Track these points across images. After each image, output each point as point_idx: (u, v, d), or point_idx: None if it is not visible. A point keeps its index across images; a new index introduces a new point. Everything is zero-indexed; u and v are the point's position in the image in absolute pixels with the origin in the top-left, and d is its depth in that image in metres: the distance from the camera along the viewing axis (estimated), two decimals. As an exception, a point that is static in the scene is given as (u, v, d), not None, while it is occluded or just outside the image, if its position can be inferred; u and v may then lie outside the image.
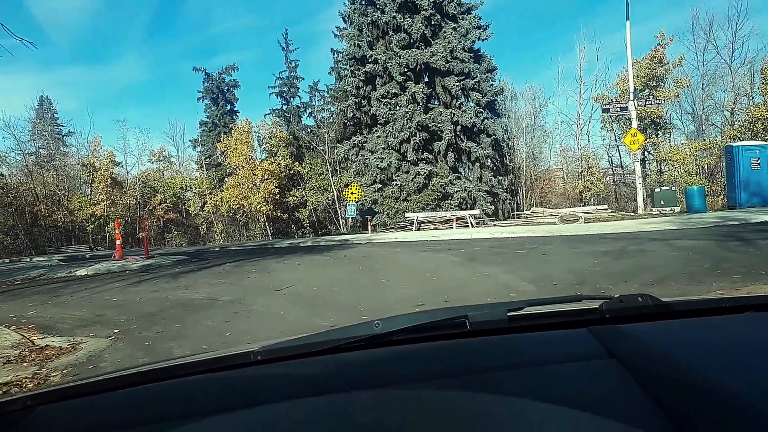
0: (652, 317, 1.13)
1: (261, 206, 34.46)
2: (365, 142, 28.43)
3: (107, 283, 10.68)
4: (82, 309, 7.77)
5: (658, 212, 19.21)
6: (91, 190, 37.79)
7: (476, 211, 23.30)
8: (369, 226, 23.90)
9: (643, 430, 0.57)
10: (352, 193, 24.90)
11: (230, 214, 37.31)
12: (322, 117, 40.69)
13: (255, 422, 0.65)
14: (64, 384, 1.09)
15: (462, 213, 22.81)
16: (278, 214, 36.15)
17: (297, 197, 35.86)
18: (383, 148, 27.15)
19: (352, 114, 28.83)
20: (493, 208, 26.75)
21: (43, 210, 36.28)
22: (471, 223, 21.77)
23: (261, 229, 37.25)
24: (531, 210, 22.79)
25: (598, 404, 0.74)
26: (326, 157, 34.81)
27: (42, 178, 37.51)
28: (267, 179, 35.00)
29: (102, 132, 78.10)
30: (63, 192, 37.77)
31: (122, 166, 41.01)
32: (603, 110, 22.86)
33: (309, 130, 40.94)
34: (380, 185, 27.29)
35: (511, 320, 1.12)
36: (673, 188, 20.76)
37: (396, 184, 26.33)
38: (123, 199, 38.50)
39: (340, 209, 34.01)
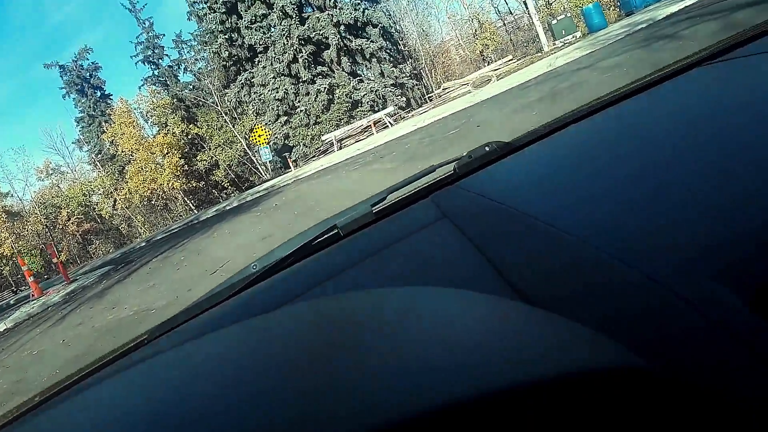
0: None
1: (172, 183, 32.14)
2: (252, 77, 26.28)
3: (28, 332, 9.21)
4: (-4, 383, 6.45)
5: (563, 44, 18.62)
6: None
7: (390, 109, 22.15)
8: (290, 163, 22.45)
9: (477, 290, 0.55)
10: (259, 136, 23.12)
11: (145, 203, 34.76)
12: (199, 68, 37.42)
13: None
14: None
15: (377, 116, 21.63)
16: (194, 184, 33.92)
17: (206, 160, 33.54)
18: (273, 77, 25.18)
19: (227, 53, 26.33)
20: (405, 99, 25.63)
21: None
22: (389, 122, 20.70)
23: (183, 205, 35.03)
24: (441, 88, 21.81)
25: (436, 268, 0.74)
26: (219, 108, 32.28)
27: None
28: (168, 153, 32.41)
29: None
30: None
31: (12, 195, 37.01)
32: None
33: (191, 87, 37.71)
34: (285, 117, 25.57)
35: (377, 214, 1.12)
36: (568, 14, 20.08)
37: (301, 110, 24.69)
38: (27, 229, 35.08)
39: (255, 157, 32.09)
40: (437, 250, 0.83)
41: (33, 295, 14.35)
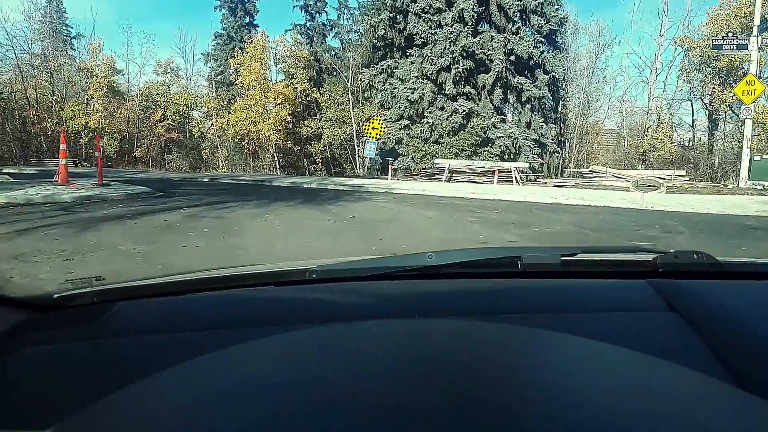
0: (707, 276, 1.10)
1: (271, 134, 30.36)
2: (395, 67, 23.85)
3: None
4: None
5: (762, 187, 14.82)
6: (87, 99, 33.75)
7: (524, 164, 19.00)
8: (390, 171, 19.76)
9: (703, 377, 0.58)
10: (373, 128, 20.63)
11: (237, 140, 33.28)
12: (349, 39, 35.80)
13: (309, 338, 0.69)
14: (141, 281, 1.14)
15: (506, 165, 18.54)
16: (289, 146, 32.08)
17: (312, 128, 31.61)
18: (416, 77, 22.63)
19: (383, 31, 24.04)
20: (541, 161, 22.37)
21: (32, 116, 32.50)
22: (516, 178, 17.56)
23: (270, 160, 33.24)
24: (590, 169, 18.45)
25: (658, 352, 0.71)
26: (349, 84, 30.25)
27: (34, 81, 33.50)
28: (280, 104, 30.72)
29: (105, 36, 72.28)
30: (56, 98, 33.76)
31: (123, 74, 36.71)
32: (714, 47, 17.32)
33: (333, 53, 36.15)
34: (408, 122, 22.93)
35: (564, 264, 1.11)
36: (774, 158, 16.22)
37: (427, 122, 21.94)
38: (121, 112, 34.54)
39: (359, 147, 29.77)
40: (659, 338, 0.82)
41: (56, 179, 12.34)
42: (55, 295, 1.00)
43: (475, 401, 0.44)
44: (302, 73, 31.99)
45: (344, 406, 0.45)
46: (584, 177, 17.98)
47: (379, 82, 24.37)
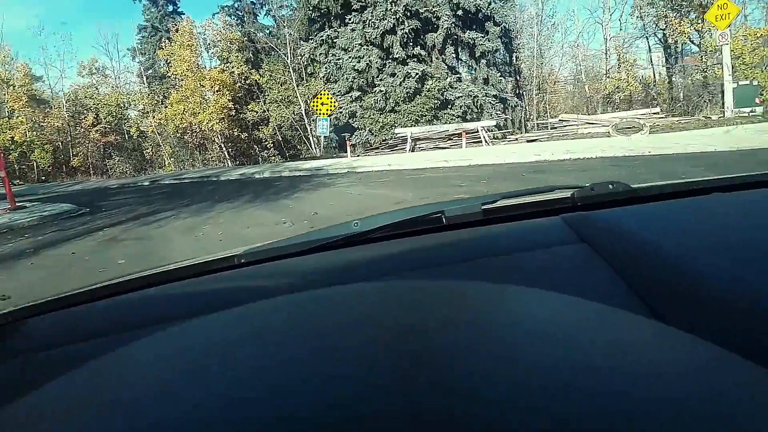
0: (624, 204, 1.11)
1: (213, 124, 28.28)
2: (336, 37, 22.12)
3: None
4: None
5: (747, 114, 13.90)
6: (8, 112, 30.73)
7: (491, 122, 17.69)
8: (348, 147, 18.18)
9: (616, 307, 0.56)
10: (322, 104, 18.94)
11: (179, 135, 31.03)
12: (282, 15, 33.57)
13: (242, 318, 0.64)
14: (52, 296, 1.06)
15: (471, 125, 17.19)
16: (236, 134, 29.99)
17: (257, 112, 29.58)
18: (360, 44, 20.95)
19: (318, 0, 22.18)
20: (506, 117, 21.13)
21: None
22: (485, 138, 16.26)
23: (217, 151, 31.15)
24: (558, 118, 17.26)
25: (571, 286, 0.76)
26: (289, 62, 28.26)
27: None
28: (218, 91, 28.59)
29: (17, 42, 66.95)
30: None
31: (44, 81, 33.65)
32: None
33: (267, 31, 33.89)
34: (359, 93, 21.32)
35: (486, 213, 1.14)
36: (755, 81, 15.29)
37: (380, 91, 20.38)
38: (48, 121, 31.70)
39: (310, 126, 28.00)
40: (571, 272, 0.83)
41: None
42: None
43: (419, 360, 0.42)
44: (237, 56, 29.81)
45: (272, 388, 0.41)
46: (555, 128, 16.80)
47: (320, 54, 22.64)
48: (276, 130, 29.61)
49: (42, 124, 31.09)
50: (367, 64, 20.32)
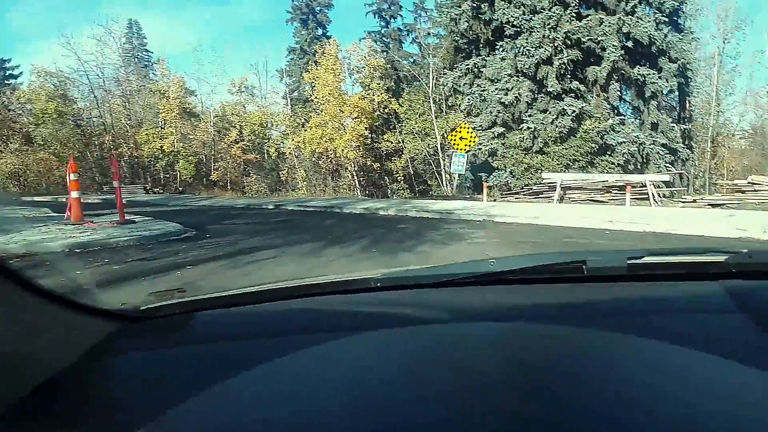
0: None
1: (348, 152, 27.68)
2: (483, 66, 20.31)
3: None
4: None
5: None
6: (161, 123, 32.75)
7: (662, 177, 14.73)
8: (484, 190, 16.15)
9: None
10: (461, 139, 17.18)
11: (314, 159, 30.95)
12: (428, 43, 32.64)
13: (377, 342, 0.74)
14: (220, 293, 1.21)
15: (637, 178, 14.40)
16: (369, 163, 29.17)
17: (392, 143, 28.60)
18: (509, 75, 18.95)
19: (467, 25, 20.56)
20: (676, 172, 17.87)
21: (107, 142, 31.89)
22: (654, 196, 13.41)
23: (349, 179, 30.57)
24: (748, 180, 13.86)
25: (731, 355, 0.71)
26: (430, 92, 27.00)
27: (108, 106, 33.02)
28: (357, 118, 28.01)
29: (177, 58, 71.33)
30: (132, 123, 33.06)
31: (196, 95, 35.57)
32: None
33: (411, 59, 33.14)
34: (502, 129, 19.24)
35: (631, 269, 1.11)
36: None
37: (527, 128, 18.16)
38: (195, 134, 33.29)
39: (444, 161, 26.40)
40: (730, 341, 0.81)
41: (67, 216, 9.96)
42: (142, 307, 1.09)
43: (555, 404, 0.47)
44: (379, 84, 29.20)
45: (406, 408, 0.49)
46: (743, 191, 13.47)
47: (464, 84, 20.94)
48: (409, 162, 28.40)
49: (189, 136, 32.64)
50: (516, 97, 18.24)
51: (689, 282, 1.09)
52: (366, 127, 27.79)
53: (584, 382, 0.54)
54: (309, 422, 0.49)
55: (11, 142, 31.00)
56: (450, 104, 26.88)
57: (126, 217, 10.29)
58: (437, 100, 27.30)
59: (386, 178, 30.85)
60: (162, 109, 31.34)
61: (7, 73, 40.03)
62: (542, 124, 17.87)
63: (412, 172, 28.68)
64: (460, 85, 21.17)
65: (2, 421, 0.69)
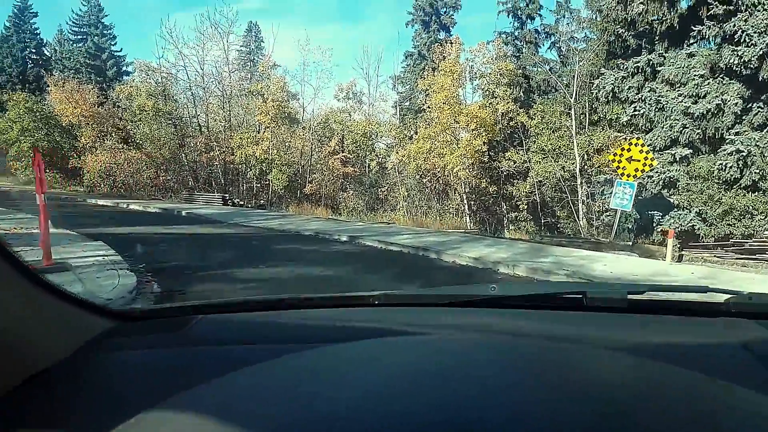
0: None
1: (459, 170, 22.64)
2: (660, 64, 14.41)
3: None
4: None
5: None
6: (258, 126, 29.57)
7: None
8: (669, 241, 10.24)
9: None
10: (630, 160, 11.53)
11: (418, 177, 26.22)
12: (572, 47, 26.87)
13: (376, 350, 0.76)
14: (220, 300, 1.25)
15: None
16: (483, 185, 23.84)
17: (515, 162, 23.13)
18: (701, 76, 12.97)
19: (642, 8, 14.79)
20: None
21: (198, 144, 29.30)
22: None
23: (458, 202, 25.43)
24: None
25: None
26: (572, 101, 21.27)
27: (205, 105, 30.47)
28: (474, 130, 22.90)
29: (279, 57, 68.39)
30: (229, 125, 30.26)
31: (298, 99, 32.17)
32: None
33: (549, 67, 27.49)
34: (687, 151, 13.27)
35: (631, 302, 1.13)
36: None
37: (732, 152, 12.08)
38: (293, 141, 29.82)
39: (583, 189, 20.50)
40: (733, 375, 0.80)
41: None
42: (141, 307, 1.14)
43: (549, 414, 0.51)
44: (505, 91, 23.92)
45: (399, 413, 0.52)
46: None
47: (629, 89, 15.14)
48: (535, 187, 22.73)
49: (286, 143, 29.21)
50: (718, 105, 12.21)
51: (691, 317, 1.11)
52: (484, 142, 22.63)
53: (575, 397, 0.57)
54: (300, 423, 0.51)
55: (107, 140, 29.43)
56: (596, 119, 21.04)
57: (58, 261, 5.98)
58: (580, 115, 21.57)
59: (503, 204, 25.34)
60: (259, 111, 28.07)
61: (122, 69, 39.50)
62: (757, 146, 11.71)
63: (537, 200, 22.96)
64: (622, 90, 15.38)
65: None
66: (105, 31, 40.31)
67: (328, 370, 0.67)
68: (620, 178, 11.83)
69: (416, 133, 26.33)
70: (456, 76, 23.82)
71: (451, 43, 25.32)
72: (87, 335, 0.93)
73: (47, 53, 42.60)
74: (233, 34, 31.03)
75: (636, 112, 14.88)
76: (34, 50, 41.54)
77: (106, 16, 41.27)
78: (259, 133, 28.89)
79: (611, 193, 14.21)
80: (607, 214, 18.06)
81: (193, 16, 65.01)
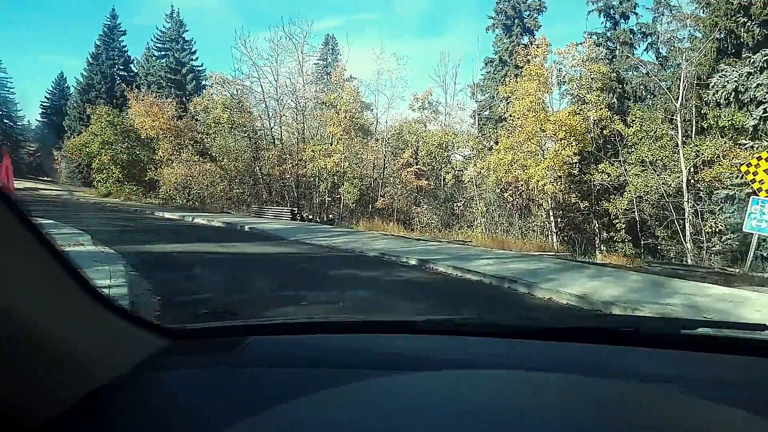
0: None
1: (545, 183, 20.53)
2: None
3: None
4: None
5: None
6: (330, 138, 28.61)
7: None
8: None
9: None
10: (772, 173, 9.23)
11: (498, 191, 24.25)
12: (675, 47, 24.01)
13: (444, 383, 0.78)
14: (269, 320, 1.30)
15: None
16: (573, 201, 21.52)
17: (609, 175, 20.68)
18: None
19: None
20: None
21: (271, 157, 28.76)
22: None
23: (543, 219, 23.21)
24: None
25: None
26: (678, 106, 18.64)
27: (279, 118, 29.92)
28: (563, 140, 20.72)
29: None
30: (302, 136, 29.56)
31: (372, 109, 30.94)
32: None
33: (646, 69, 24.71)
34: None
35: (685, 339, 1.13)
36: None
37: None
38: (365, 153, 28.65)
39: (691, 206, 17.82)
40: None
41: None
42: (192, 326, 1.14)
43: None
44: (598, 96, 21.58)
45: None
46: None
47: (758, 87, 12.61)
48: (633, 204, 20.15)
49: (359, 155, 28.06)
50: None
51: (744, 356, 1.07)
52: (574, 153, 20.36)
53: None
54: None
55: (184, 152, 29.53)
56: (705, 125, 18.36)
57: None
58: (685, 120, 18.93)
59: (595, 222, 22.84)
60: (331, 122, 27.12)
61: (201, 82, 40.10)
62: None
63: (637, 219, 20.34)
64: (747, 89, 12.87)
65: (57, 421, 0.71)
66: (185, 46, 41.32)
67: (394, 400, 0.69)
68: (757, 195, 9.50)
69: (496, 143, 24.43)
70: (542, 81, 21.75)
71: (537, 45, 23.27)
72: (142, 353, 0.94)
73: (134, 69, 44.24)
74: (308, 45, 30.14)
75: (764, 116, 12.31)
76: (122, 67, 43.30)
77: (187, 31, 42.42)
78: (331, 145, 27.94)
79: (733, 211, 11.78)
80: (725, 236, 15.40)
81: (268, 27, 65.63)
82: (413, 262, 9.81)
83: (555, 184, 20.72)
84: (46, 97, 52.62)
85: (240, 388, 0.88)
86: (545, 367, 0.94)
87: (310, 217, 24.89)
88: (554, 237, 21.89)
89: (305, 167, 28.05)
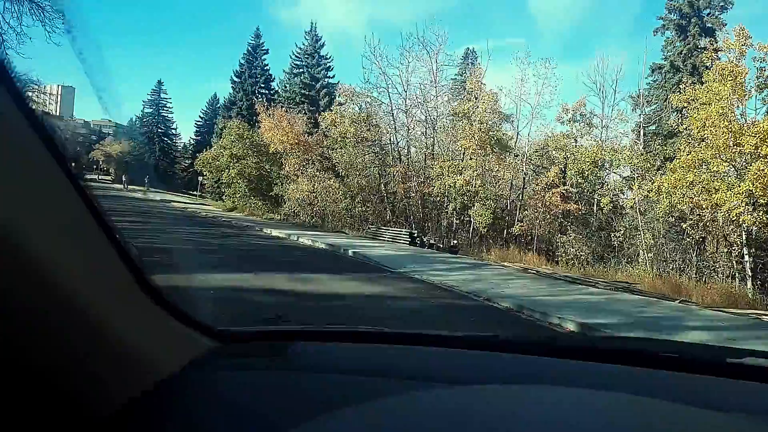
0: None
1: (739, 212, 15.82)
2: None
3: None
4: None
5: None
6: (462, 153, 25.46)
7: None
8: None
9: None
10: None
11: (670, 220, 19.54)
12: None
13: (451, 399, 0.78)
14: (318, 327, 1.31)
15: None
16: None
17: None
18: None
19: None
20: None
21: (396, 173, 26.35)
22: None
23: (729, 258, 18.16)
24: None
25: None
26: None
27: (407, 132, 27.49)
28: (765, 157, 15.78)
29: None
30: (431, 152, 26.87)
31: (512, 120, 27.23)
32: None
33: None
34: None
35: (732, 368, 1.10)
36: None
37: None
38: (502, 170, 25.14)
39: None
40: None
41: None
42: (241, 329, 1.15)
43: None
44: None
45: None
46: None
47: None
48: None
49: (494, 173, 24.62)
50: None
51: None
52: (776, 169, 15.33)
53: None
54: None
55: (309, 168, 28.29)
56: None
57: None
58: None
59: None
60: (463, 134, 24.02)
61: (334, 97, 39.18)
62: None
63: None
64: None
65: (115, 419, 0.72)
66: (320, 62, 40.91)
67: (443, 414, 0.69)
68: None
69: (666, 161, 19.74)
70: (738, 82, 16.88)
71: (727, 36, 18.39)
72: (193, 353, 0.94)
73: (275, 87, 44.87)
74: (443, 53, 27.48)
75: None
76: (263, 85, 44.10)
77: (323, 46, 42.06)
78: (462, 161, 24.83)
79: None
80: None
81: (399, 32, 63.12)
82: (570, 326, 6.39)
83: (756, 214, 15.79)
84: (199, 116, 55.86)
85: (288, 391, 0.89)
86: (590, 385, 0.92)
87: (432, 242, 21.80)
88: (750, 282, 16.82)
89: (432, 185, 25.23)
